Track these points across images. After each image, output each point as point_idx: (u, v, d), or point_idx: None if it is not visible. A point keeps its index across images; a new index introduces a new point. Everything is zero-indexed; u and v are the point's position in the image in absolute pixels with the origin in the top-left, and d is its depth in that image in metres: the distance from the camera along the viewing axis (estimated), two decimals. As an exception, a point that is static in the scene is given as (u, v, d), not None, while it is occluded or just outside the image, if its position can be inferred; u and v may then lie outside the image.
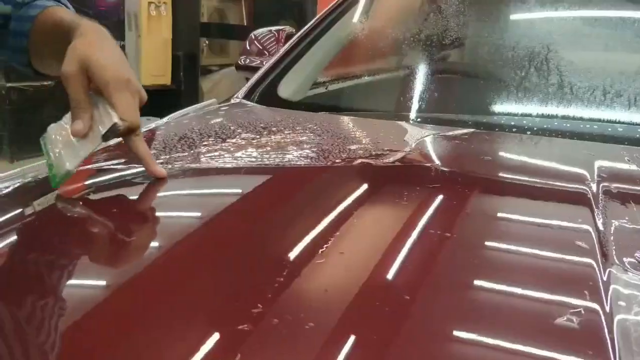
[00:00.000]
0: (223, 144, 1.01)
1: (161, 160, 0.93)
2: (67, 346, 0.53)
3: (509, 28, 1.48)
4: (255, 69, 1.97)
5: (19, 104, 4.82)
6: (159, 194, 0.86)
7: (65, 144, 0.80)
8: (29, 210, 0.81)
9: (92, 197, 0.85)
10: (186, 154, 0.97)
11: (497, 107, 1.26)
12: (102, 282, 0.64)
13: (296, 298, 0.58)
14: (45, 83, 4.95)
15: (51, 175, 0.80)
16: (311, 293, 0.59)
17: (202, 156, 0.96)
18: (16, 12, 0.89)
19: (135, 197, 0.86)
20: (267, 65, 1.60)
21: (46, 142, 0.82)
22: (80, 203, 0.83)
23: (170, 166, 0.90)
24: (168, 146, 1.01)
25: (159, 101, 6.00)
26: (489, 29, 1.49)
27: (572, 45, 1.41)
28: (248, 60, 1.99)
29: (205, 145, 1.01)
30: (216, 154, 0.96)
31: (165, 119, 1.31)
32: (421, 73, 1.42)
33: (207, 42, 6.09)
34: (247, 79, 5.27)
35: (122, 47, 5.58)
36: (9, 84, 4.70)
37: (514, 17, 1.53)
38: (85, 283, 0.65)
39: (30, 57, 0.92)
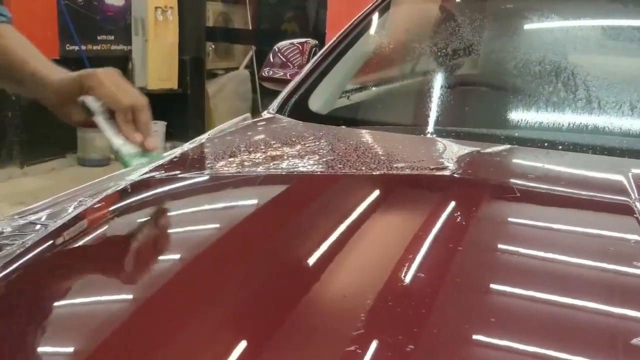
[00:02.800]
0: (277, 161, 1.05)
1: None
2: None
3: (539, 43, 1.51)
4: (278, 81, 2.02)
5: (28, 109, 4.85)
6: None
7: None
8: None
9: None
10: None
11: (531, 123, 1.30)
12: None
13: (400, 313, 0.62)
14: (54, 88, 4.97)
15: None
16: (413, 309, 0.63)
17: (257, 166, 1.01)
18: None
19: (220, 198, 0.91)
20: (297, 78, 1.63)
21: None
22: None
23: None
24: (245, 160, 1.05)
25: (166, 105, 6.03)
26: (520, 44, 1.53)
27: (608, 61, 1.45)
28: (272, 72, 2.03)
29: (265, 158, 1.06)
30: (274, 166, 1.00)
31: (206, 135, 1.34)
32: (452, 87, 1.46)
33: (212, 46, 6.12)
34: (253, 83, 5.25)
35: (129, 52, 5.61)
36: (19, 90, 4.73)
37: (545, 30, 1.56)
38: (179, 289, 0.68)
39: None
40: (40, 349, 0.61)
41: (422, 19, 1.73)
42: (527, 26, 1.58)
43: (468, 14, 1.59)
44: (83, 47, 5.08)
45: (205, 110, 5.96)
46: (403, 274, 0.69)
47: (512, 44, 1.53)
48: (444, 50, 1.53)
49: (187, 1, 5.67)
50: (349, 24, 1.75)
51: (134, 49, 5.52)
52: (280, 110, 1.51)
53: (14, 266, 0.74)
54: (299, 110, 1.49)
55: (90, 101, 0.90)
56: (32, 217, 0.96)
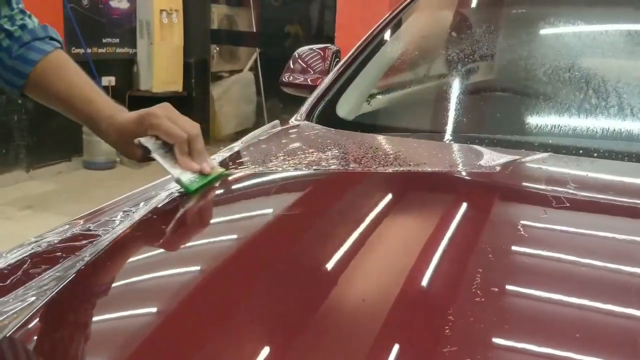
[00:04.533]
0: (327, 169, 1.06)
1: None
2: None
3: (571, 48, 1.51)
4: (299, 86, 2.02)
5: (34, 113, 4.84)
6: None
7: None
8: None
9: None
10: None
11: (571, 130, 1.30)
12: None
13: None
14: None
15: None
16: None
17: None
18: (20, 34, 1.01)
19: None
20: (323, 84, 1.63)
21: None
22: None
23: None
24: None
25: (171, 108, 6.00)
26: (550, 50, 1.53)
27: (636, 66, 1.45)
28: (292, 78, 2.03)
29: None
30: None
31: (239, 142, 1.34)
32: (483, 93, 1.46)
33: (217, 48, 6.12)
34: (258, 85, 5.21)
35: (134, 55, 5.61)
36: (25, 93, 4.72)
37: (575, 35, 1.56)
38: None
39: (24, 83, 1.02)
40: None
41: (449, 24, 1.73)
42: (558, 31, 1.58)
43: (495, 20, 1.59)
44: (89, 50, 5.08)
45: (210, 113, 5.97)
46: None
47: (541, 49, 1.53)
48: (472, 56, 1.53)
49: (192, 4, 5.68)
50: (375, 27, 1.74)
51: (139, 52, 5.52)
52: (309, 117, 1.51)
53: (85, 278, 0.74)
54: (328, 117, 1.49)
55: (145, 141, 0.97)
56: (79, 228, 0.96)
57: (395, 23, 1.72)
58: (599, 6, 1.59)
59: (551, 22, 1.62)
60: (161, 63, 5.50)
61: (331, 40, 4.50)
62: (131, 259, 0.82)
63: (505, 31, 1.60)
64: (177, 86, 5.68)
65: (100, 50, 5.31)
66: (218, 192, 1.05)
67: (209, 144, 5.96)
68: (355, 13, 3.95)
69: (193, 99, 5.83)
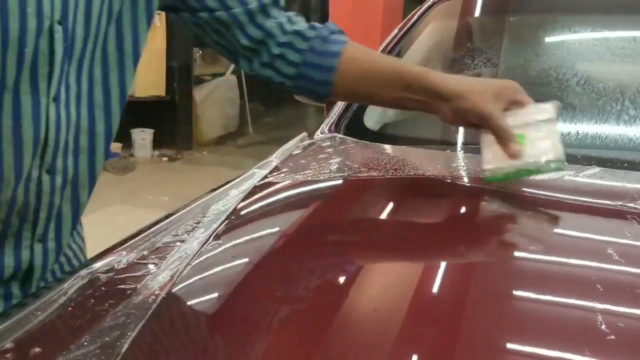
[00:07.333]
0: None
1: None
2: None
3: (599, 57, 1.50)
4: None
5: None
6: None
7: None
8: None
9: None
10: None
11: (619, 142, 1.29)
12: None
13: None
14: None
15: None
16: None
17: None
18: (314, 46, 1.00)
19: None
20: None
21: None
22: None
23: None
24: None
25: (153, 112, 5.88)
26: (578, 59, 1.52)
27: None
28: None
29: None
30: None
31: (273, 157, 1.30)
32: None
33: (200, 52, 6.05)
34: (241, 89, 5.14)
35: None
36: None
37: (600, 42, 1.55)
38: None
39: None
40: None
41: (479, 28, 1.71)
42: (584, 38, 1.57)
43: (528, 28, 1.58)
44: (70, 55, 4.97)
45: (193, 117, 5.89)
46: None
47: (570, 57, 1.52)
48: (506, 63, 1.51)
49: (174, 7, 5.60)
50: (394, 32, 1.72)
51: (121, 56, 5.42)
52: (336, 128, 1.48)
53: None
54: (358, 129, 1.46)
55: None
56: (132, 258, 0.91)
57: (418, 27, 1.69)
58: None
59: (575, 30, 1.60)
60: (144, 67, 5.40)
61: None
62: (210, 290, 0.77)
63: (538, 40, 1.58)
64: (160, 90, 5.60)
65: (81, 54, 5.21)
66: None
67: (192, 148, 5.88)
68: (348, 16, 3.93)
69: (176, 103, 5.75)
